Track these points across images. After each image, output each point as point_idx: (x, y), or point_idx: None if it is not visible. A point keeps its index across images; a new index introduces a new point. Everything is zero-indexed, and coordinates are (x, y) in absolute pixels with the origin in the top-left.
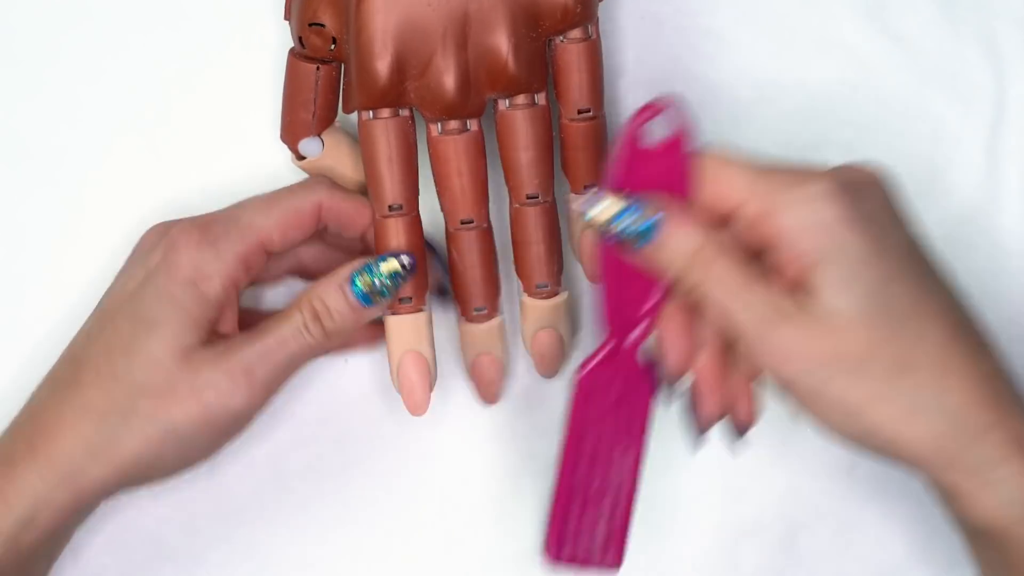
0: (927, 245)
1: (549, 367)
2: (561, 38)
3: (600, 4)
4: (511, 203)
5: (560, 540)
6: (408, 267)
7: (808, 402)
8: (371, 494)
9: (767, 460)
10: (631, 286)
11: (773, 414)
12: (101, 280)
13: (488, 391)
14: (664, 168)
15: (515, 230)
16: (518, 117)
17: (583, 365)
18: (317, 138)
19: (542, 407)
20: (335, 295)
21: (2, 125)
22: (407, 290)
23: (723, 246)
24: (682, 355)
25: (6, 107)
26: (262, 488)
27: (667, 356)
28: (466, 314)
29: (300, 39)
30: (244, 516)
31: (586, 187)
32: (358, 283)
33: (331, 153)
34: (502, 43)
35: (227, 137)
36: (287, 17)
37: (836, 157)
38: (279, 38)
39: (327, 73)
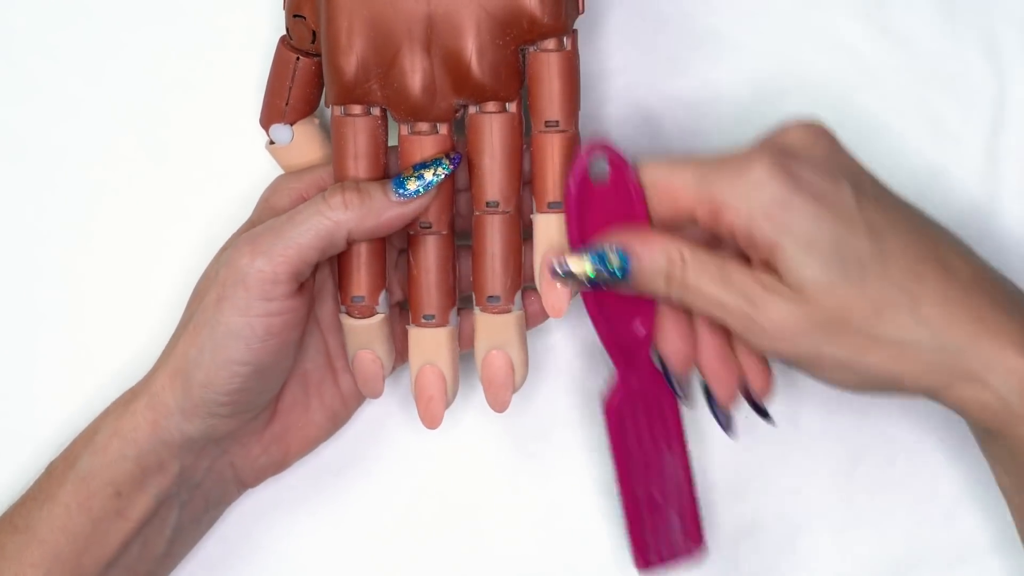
0: (873, 179)
1: (497, 395)
2: (535, 47)
3: (580, 17)
4: (473, 211)
5: (644, 548)
6: (453, 161)
7: (808, 369)
8: (370, 494)
9: (767, 460)
10: (619, 312)
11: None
12: (102, 278)
13: (427, 408)
14: (616, 200)
15: (474, 239)
16: (485, 122)
17: (606, 398)
18: (287, 126)
19: (537, 407)
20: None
21: (0, 125)
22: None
23: (692, 251)
24: (684, 354)
25: (4, 106)
26: (262, 486)
27: (670, 359)
28: (415, 320)
29: (288, 29)
30: (242, 511)
31: (550, 205)
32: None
33: (300, 144)
34: (466, 47)
35: (226, 135)
36: (285, 6)
37: None
38: (277, 35)
39: (305, 65)
